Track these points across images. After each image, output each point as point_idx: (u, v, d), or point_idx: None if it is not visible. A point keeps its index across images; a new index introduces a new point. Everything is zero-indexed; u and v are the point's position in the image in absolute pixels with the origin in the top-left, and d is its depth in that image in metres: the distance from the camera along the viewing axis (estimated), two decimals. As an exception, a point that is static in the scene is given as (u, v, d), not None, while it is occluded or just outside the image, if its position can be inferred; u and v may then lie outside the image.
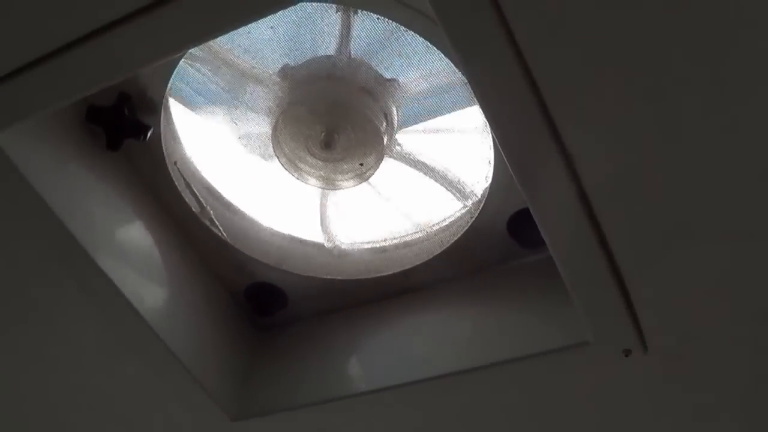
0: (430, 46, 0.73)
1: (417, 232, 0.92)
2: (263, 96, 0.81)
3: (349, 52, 0.77)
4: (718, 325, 0.73)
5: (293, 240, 0.95)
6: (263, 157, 0.86)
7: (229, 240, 0.91)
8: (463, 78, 0.75)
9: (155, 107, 0.80)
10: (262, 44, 0.78)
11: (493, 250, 0.87)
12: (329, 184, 0.87)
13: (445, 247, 0.88)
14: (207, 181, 0.91)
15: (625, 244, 0.67)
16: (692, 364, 0.77)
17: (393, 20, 0.72)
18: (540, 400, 0.84)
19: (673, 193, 0.64)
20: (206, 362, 0.88)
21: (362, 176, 0.85)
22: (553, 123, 0.59)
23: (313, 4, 0.73)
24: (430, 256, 0.89)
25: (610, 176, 0.63)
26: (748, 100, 0.57)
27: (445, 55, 0.74)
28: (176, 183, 0.86)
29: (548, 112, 0.58)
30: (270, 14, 0.60)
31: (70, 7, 0.58)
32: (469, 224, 0.86)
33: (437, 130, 0.84)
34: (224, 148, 0.88)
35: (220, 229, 0.90)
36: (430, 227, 0.91)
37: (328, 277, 0.93)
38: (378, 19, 0.72)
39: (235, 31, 0.73)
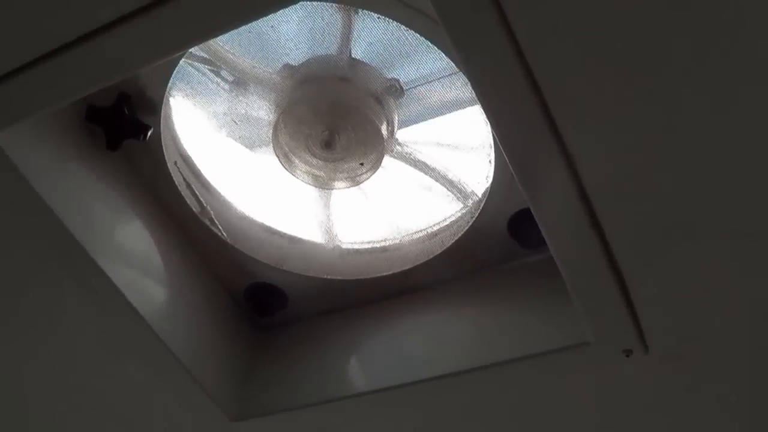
0: (431, 45, 0.73)
1: (417, 232, 0.92)
2: (264, 96, 0.81)
3: (350, 52, 0.77)
4: (718, 324, 0.73)
5: (293, 240, 0.95)
6: (263, 156, 0.86)
7: (229, 240, 0.90)
8: (464, 77, 0.75)
9: (155, 107, 0.80)
10: (262, 44, 0.77)
11: (493, 250, 0.87)
12: (329, 183, 0.87)
13: (445, 247, 0.88)
14: (207, 180, 0.91)
15: (626, 244, 0.67)
16: (693, 364, 0.77)
17: (394, 20, 0.72)
18: (540, 400, 0.84)
19: (674, 193, 0.63)
20: (206, 362, 0.88)
21: (363, 176, 0.85)
22: (554, 122, 0.59)
23: (314, 3, 0.72)
24: (431, 256, 0.89)
25: (611, 176, 0.63)
26: (748, 100, 0.57)
27: (445, 55, 0.74)
28: (176, 183, 0.86)
29: (549, 111, 0.58)
30: (270, 13, 0.59)
31: (70, 6, 0.58)
32: (470, 224, 0.86)
33: (438, 130, 0.84)
34: (224, 148, 0.87)
35: (220, 228, 0.90)
36: (431, 227, 0.91)
37: (328, 277, 0.93)
38: (379, 18, 0.72)
39: (236, 31, 0.73)
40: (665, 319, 0.73)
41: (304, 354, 0.93)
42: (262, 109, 0.82)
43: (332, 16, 0.74)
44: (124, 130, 0.79)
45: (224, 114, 0.84)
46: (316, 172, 0.85)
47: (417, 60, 0.76)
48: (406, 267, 0.90)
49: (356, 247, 0.93)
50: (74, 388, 0.94)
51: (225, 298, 0.95)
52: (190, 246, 0.91)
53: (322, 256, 0.94)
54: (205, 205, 0.89)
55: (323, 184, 0.87)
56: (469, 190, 0.86)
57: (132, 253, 0.82)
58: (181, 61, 0.77)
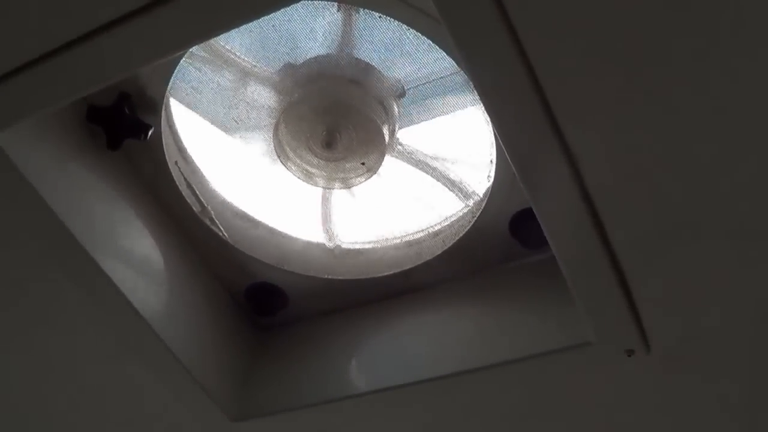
0: (433, 44, 0.73)
1: (418, 232, 0.91)
2: (264, 95, 0.81)
3: (351, 51, 0.77)
4: (720, 325, 0.73)
5: (294, 240, 0.95)
6: (264, 156, 0.86)
7: (229, 240, 0.90)
8: (466, 77, 0.75)
9: (156, 106, 0.80)
10: (263, 43, 0.77)
11: (494, 250, 0.87)
12: (330, 183, 0.87)
13: (446, 247, 0.88)
14: (207, 180, 0.91)
15: (628, 244, 0.67)
16: (695, 365, 0.77)
17: (395, 19, 0.72)
18: (542, 400, 0.84)
19: (676, 193, 0.63)
20: (206, 362, 0.88)
21: (364, 175, 0.85)
22: (556, 122, 0.59)
23: (315, 2, 0.72)
24: (432, 256, 0.89)
25: (613, 175, 0.63)
26: (750, 99, 0.57)
27: (447, 54, 0.73)
28: (177, 182, 0.85)
29: (551, 110, 0.58)
30: (271, 12, 0.59)
31: (70, 6, 0.58)
32: (471, 224, 0.85)
33: (439, 129, 0.84)
34: (225, 148, 0.87)
35: (221, 228, 0.90)
36: (432, 227, 0.90)
37: (329, 277, 0.93)
38: (380, 17, 0.72)
39: (237, 30, 0.73)
40: (667, 319, 0.73)
41: (305, 354, 0.93)
42: (262, 109, 0.82)
43: (333, 15, 0.74)
44: (125, 129, 0.79)
45: (225, 113, 0.84)
46: (317, 172, 0.85)
47: (419, 59, 0.76)
48: (407, 267, 0.90)
49: (357, 246, 0.93)
50: (74, 388, 0.94)
51: (225, 297, 0.95)
52: (190, 246, 0.90)
53: (323, 256, 0.94)
54: (205, 204, 0.89)
55: (324, 184, 0.87)
56: (470, 189, 0.86)
57: (132, 253, 0.82)
58: (181, 61, 0.77)
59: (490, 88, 0.58)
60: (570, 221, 0.65)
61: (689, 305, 0.72)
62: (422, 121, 0.83)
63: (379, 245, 0.93)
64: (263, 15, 0.59)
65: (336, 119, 0.80)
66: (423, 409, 0.87)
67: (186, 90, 0.82)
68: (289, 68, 0.79)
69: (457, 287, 0.89)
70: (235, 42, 0.78)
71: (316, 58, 0.78)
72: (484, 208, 0.84)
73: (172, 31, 0.59)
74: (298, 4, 0.72)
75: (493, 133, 0.77)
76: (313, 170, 0.85)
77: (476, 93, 0.65)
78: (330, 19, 0.74)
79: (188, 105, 0.84)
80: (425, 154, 0.86)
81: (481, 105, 0.75)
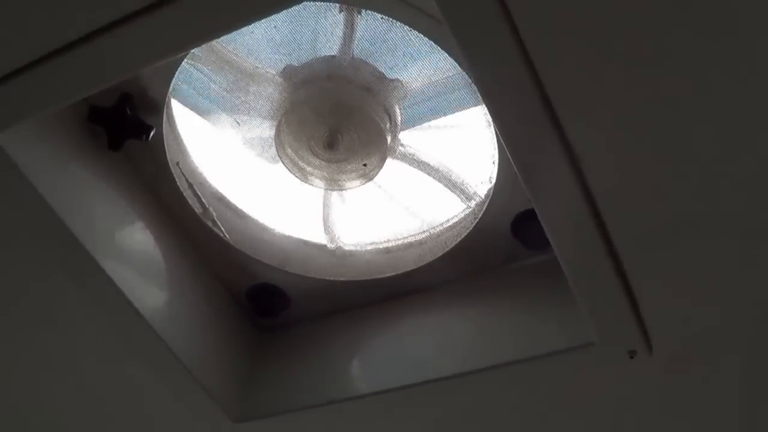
0: (434, 45, 0.73)
1: (420, 233, 0.91)
2: (266, 96, 0.81)
3: (353, 52, 0.77)
4: (722, 325, 0.73)
5: (296, 241, 0.95)
6: (266, 157, 0.86)
7: (231, 241, 0.90)
8: (467, 77, 0.75)
9: (157, 107, 0.80)
10: (264, 44, 0.77)
11: (496, 251, 0.87)
12: (332, 184, 0.87)
13: (448, 248, 0.88)
14: (209, 181, 0.91)
15: (630, 244, 0.67)
16: (697, 365, 0.77)
17: (397, 20, 0.72)
18: (544, 401, 0.84)
19: (678, 193, 0.63)
20: (208, 363, 0.88)
21: (365, 177, 0.85)
22: (559, 122, 0.59)
23: (317, 3, 0.72)
24: (434, 257, 0.89)
25: (615, 176, 0.63)
26: (753, 99, 0.57)
27: (449, 55, 0.73)
28: (178, 183, 0.85)
29: (553, 111, 0.58)
30: (273, 14, 0.59)
31: (72, 6, 0.58)
32: (473, 225, 0.85)
33: (441, 130, 0.84)
34: (226, 149, 0.87)
35: (222, 229, 0.90)
36: (434, 228, 0.90)
37: (331, 278, 0.93)
38: (381, 18, 0.72)
39: (238, 31, 0.73)
40: (669, 320, 0.73)
41: (306, 355, 0.93)
42: (264, 110, 0.82)
43: (335, 16, 0.74)
44: (126, 130, 0.79)
45: (226, 115, 0.84)
46: (319, 173, 0.85)
47: (420, 60, 0.76)
48: (409, 268, 0.90)
49: (359, 248, 0.93)
50: (75, 389, 0.94)
51: (227, 298, 0.95)
52: (191, 247, 0.90)
53: (325, 257, 0.94)
54: (207, 206, 0.88)
55: (326, 185, 0.87)
56: (472, 191, 0.86)
57: (133, 254, 0.82)
58: (183, 62, 0.77)
59: (492, 88, 0.58)
60: (572, 222, 0.65)
61: (691, 306, 0.72)
62: (424, 122, 0.83)
63: (380, 246, 0.93)
64: (265, 16, 0.59)
65: (337, 120, 0.80)
66: (425, 410, 0.87)
67: (187, 91, 0.82)
68: (291, 69, 0.79)
69: (459, 288, 0.89)
70: (237, 43, 0.78)
71: (317, 60, 0.78)
72: (486, 209, 0.84)
73: (173, 32, 0.59)
74: (300, 6, 0.72)
75: (495, 134, 0.77)
76: (315, 171, 0.85)
77: (478, 94, 0.66)
78: (332, 20, 0.74)
79: (190, 106, 0.84)
80: (427, 156, 0.86)
81: (483, 106, 0.75)
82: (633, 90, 0.57)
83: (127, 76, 0.66)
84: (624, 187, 0.63)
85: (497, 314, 0.84)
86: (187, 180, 0.86)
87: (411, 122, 0.83)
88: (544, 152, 0.61)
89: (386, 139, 0.80)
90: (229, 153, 0.88)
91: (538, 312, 0.81)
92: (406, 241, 0.92)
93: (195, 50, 0.77)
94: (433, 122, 0.83)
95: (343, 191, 0.89)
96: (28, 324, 0.85)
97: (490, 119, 0.70)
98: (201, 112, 0.85)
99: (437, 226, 0.90)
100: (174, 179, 0.85)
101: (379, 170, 0.84)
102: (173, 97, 0.81)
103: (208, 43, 0.77)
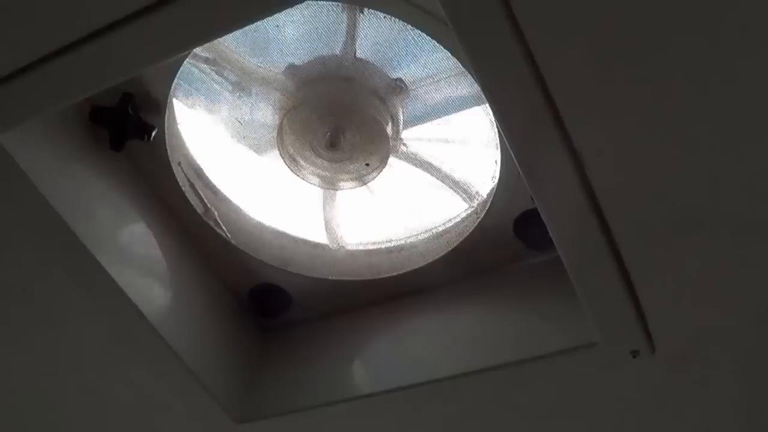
0: (437, 45, 0.73)
1: (422, 233, 0.91)
2: (268, 96, 0.81)
3: (355, 52, 0.77)
4: (726, 325, 0.73)
5: (298, 241, 0.94)
6: (268, 157, 0.85)
7: (233, 241, 0.90)
8: (470, 77, 0.75)
9: (159, 107, 0.80)
10: (267, 43, 0.77)
11: (499, 251, 0.87)
12: (334, 184, 0.86)
13: (450, 248, 0.88)
14: (211, 181, 0.91)
15: (634, 244, 0.67)
16: (700, 365, 0.77)
17: (400, 19, 0.72)
18: (547, 401, 0.84)
19: (682, 194, 0.63)
20: (210, 364, 0.88)
21: (368, 176, 0.85)
22: (562, 122, 0.59)
23: (319, 2, 0.72)
24: (436, 257, 0.89)
25: (619, 175, 0.63)
26: (756, 98, 0.57)
27: (452, 54, 0.73)
28: (180, 184, 0.85)
29: (557, 110, 0.58)
30: (276, 13, 0.59)
31: (74, 6, 0.58)
32: (475, 225, 0.85)
33: (443, 130, 0.84)
34: (228, 149, 0.87)
35: (224, 230, 0.89)
36: (436, 228, 0.90)
37: (333, 278, 0.93)
38: (384, 17, 0.72)
39: (240, 30, 0.73)
40: (672, 320, 0.73)
41: (309, 355, 0.93)
42: (266, 110, 0.82)
43: (337, 15, 0.73)
44: (128, 130, 0.79)
45: (228, 114, 0.84)
46: (321, 173, 0.85)
47: (422, 59, 0.76)
48: (411, 268, 0.90)
49: (361, 248, 0.93)
50: (77, 390, 0.94)
51: (229, 299, 0.95)
52: (193, 247, 0.90)
53: (327, 257, 0.94)
54: (209, 206, 0.88)
55: (328, 185, 0.87)
56: (474, 190, 0.86)
57: (135, 254, 0.82)
58: (185, 62, 0.76)
59: (495, 87, 0.58)
60: (575, 221, 0.65)
61: (694, 306, 0.72)
62: (426, 121, 0.83)
63: (382, 246, 0.93)
64: (267, 16, 0.59)
65: (340, 120, 0.80)
66: (427, 410, 0.87)
67: (189, 91, 0.82)
68: (293, 69, 0.79)
69: (461, 288, 0.89)
70: (239, 42, 0.78)
71: (319, 59, 0.78)
72: (489, 209, 0.84)
73: (175, 31, 0.59)
74: (302, 5, 0.71)
75: (497, 133, 0.77)
76: (317, 171, 0.85)
77: (481, 93, 0.65)
78: (334, 19, 0.74)
79: (191, 106, 0.84)
80: (429, 155, 0.86)
81: (486, 105, 0.75)
82: (636, 89, 0.57)
83: (129, 76, 0.66)
84: (627, 186, 0.63)
85: (500, 314, 0.84)
86: (188, 180, 0.86)
87: (413, 121, 0.83)
88: (547, 151, 0.61)
89: (388, 139, 0.80)
90: (231, 153, 0.88)
91: (540, 312, 0.81)
92: (408, 240, 0.92)
93: (197, 50, 0.76)
94: (436, 121, 0.83)
95: (346, 191, 0.88)
96: (30, 324, 0.85)
97: (493, 118, 0.70)
98: (202, 111, 0.84)
99: (439, 226, 0.90)
100: (176, 179, 0.85)
101: (381, 170, 0.84)
102: (175, 97, 0.81)
103: (210, 43, 0.76)
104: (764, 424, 0.83)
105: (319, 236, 0.94)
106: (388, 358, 0.87)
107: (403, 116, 0.81)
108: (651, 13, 0.53)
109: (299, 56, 0.78)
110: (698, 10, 0.52)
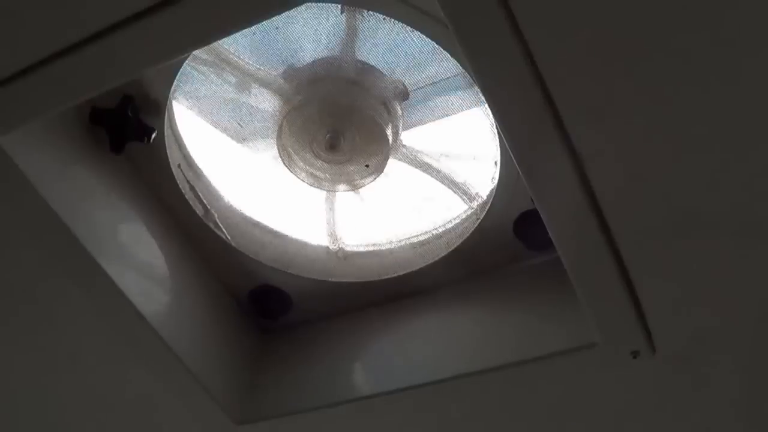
0: (436, 46, 0.73)
1: (422, 234, 0.91)
2: (268, 98, 0.81)
3: (355, 54, 0.77)
4: (726, 326, 0.73)
5: (297, 243, 0.94)
6: (268, 159, 0.85)
7: (233, 243, 0.90)
8: (470, 78, 0.75)
9: (159, 109, 0.80)
10: (266, 45, 0.77)
11: (499, 252, 0.87)
12: (334, 186, 0.86)
13: (450, 249, 0.88)
14: (211, 183, 0.91)
15: (634, 245, 0.67)
16: (700, 366, 0.77)
17: (398, 20, 0.72)
18: (547, 402, 0.84)
19: (682, 193, 0.63)
20: (210, 366, 0.88)
21: (368, 178, 0.85)
22: (562, 122, 0.59)
23: (319, 4, 0.72)
24: (436, 258, 0.89)
25: (619, 176, 0.63)
26: (758, 99, 0.57)
27: (451, 56, 0.73)
28: (180, 186, 0.85)
29: (557, 111, 0.58)
30: (275, 15, 0.59)
31: (73, 9, 0.58)
32: (475, 226, 0.85)
33: (443, 132, 0.84)
34: (228, 151, 0.87)
35: (224, 231, 0.89)
36: (436, 229, 0.90)
37: (333, 279, 0.93)
38: (384, 19, 0.72)
39: (240, 32, 0.73)
40: (673, 320, 0.73)
41: (309, 357, 0.93)
42: (266, 112, 0.82)
43: (338, 17, 0.73)
44: (128, 132, 0.79)
45: (228, 116, 0.84)
46: (321, 175, 0.85)
47: (422, 62, 0.76)
48: (411, 269, 0.90)
49: (361, 249, 0.93)
50: (77, 391, 0.93)
51: (229, 301, 0.95)
52: (193, 249, 0.90)
53: (327, 259, 0.94)
54: (209, 208, 0.88)
55: (328, 187, 0.87)
56: (474, 191, 0.86)
57: (136, 256, 0.82)
58: (184, 64, 0.77)
59: (494, 88, 0.58)
60: (574, 222, 0.65)
61: (694, 306, 0.72)
62: (426, 122, 0.83)
63: (382, 248, 0.93)
64: (267, 18, 0.59)
65: (340, 121, 0.80)
66: (428, 411, 0.87)
67: (189, 93, 0.82)
68: (293, 71, 0.79)
69: (461, 289, 0.89)
70: (238, 44, 0.78)
71: (319, 61, 0.78)
72: (488, 209, 0.84)
73: (175, 34, 0.59)
74: (302, 7, 0.72)
75: (497, 134, 0.77)
76: (317, 173, 0.85)
77: (480, 94, 0.65)
78: (333, 21, 0.74)
79: (191, 108, 0.84)
80: (429, 156, 0.86)
81: (485, 106, 0.75)
82: (636, 89, 0.57)
83: (129, 78, 0.66)
84: (627, 187, 0.63)
85: (500, 315, 0.84)
86: (188, 182, 0.86)
87: (413, 123, 0.83)
88: (546, 152, 0.61)
89: (388, 140, 0.80)
90: (231, 155, 0.88)
91: (540, 313, 0.81)
92: (408, 242, 0.92)
93: (197, 52, 0.77)
94: (435, 122, 0.83)
95: (345, 192, 0.88)
96: (31, 326, 0.85)
97: (493, 119, 0.70)
98: (202, 113, 0.84)
99: (439, 227, 0.90)
100: (175, 181, 0.85)
101: (381, 171, 0.84)
102: (175, 99, 0.81)
103: (210, 45, 0.77)
104: (764, 424, 0.83)
105: (319, 238, 0.94)
106: (388, 360, 0.87)
107: (403, 118, 0.82)
108: (651, 13, 0.53)
109: (299, 58, 0.78)
110: (698, 10, 0.52)
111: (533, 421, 0.87)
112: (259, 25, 0.72)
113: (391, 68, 0.78)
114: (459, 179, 0.86)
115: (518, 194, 0.81)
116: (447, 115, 0.82)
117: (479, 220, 0.85)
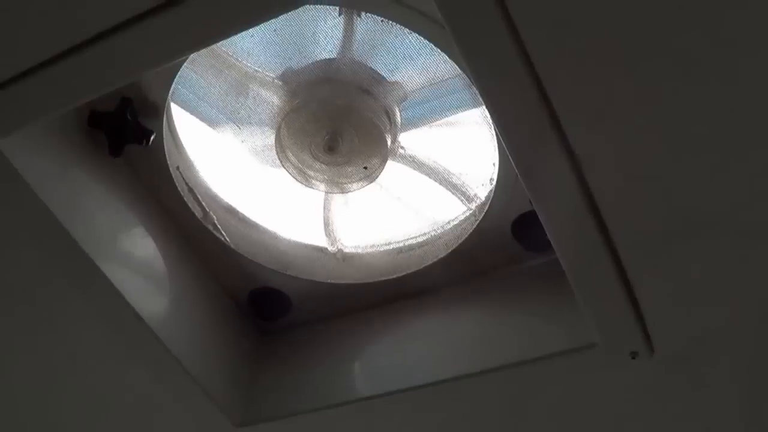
0: (434, 47, 0.73)
1: (421, 235, 0.91)
2: (266, 100, 0.81)
3: (352, 55, 0.77)
4: (725, 326, 0.73)
5: (296, 244, 0.94)
6: (266, 161, 0.86)
7: (232, 245, 0.90)
8: (468, 80, 0.75)
9: (157, 112, 0.80)
10: (264, 48, 0.77)
11: (497, 253, 0.87)
12: (333, 187, 0.86)
13: (449, 251, 0.88)
14: (209, 185, 0.91)
15: (632, 246, 0.67)
16: (699, 366, 0.77)
17: (396, 22, 0.72)
18: (547, 402, 0.84)
19: (681, 194, 0.63)
20: (209, 367, 0.88)
21: (366, 179, 0.85)
22: (560, 124, 0.59)
23: (316, 6, 0.72)
24: (435, 259, 0.89)
25: (617, 177, 0.63)
26: (756, 99, 0.57)
27: (449, 57, 0.73)
28: (179, 188, 0.85)
29: (555, 113, 0.58)
30: (273, 17, 0.59)
31: (72, 11, 0.58)
32: (474, 227, 0.85)
33: (441, 132, 0.84)
34: (227, 153, 0.87)
35: (223, 234, 0.90)
36: (434, 230, 0.90)
37: (332, 281, 0.93)
38: (382, 21, 0.72)
39: (238, 35, 0.73)
40: (671, 321, 0.73)
41: (308, 358, 0.93)
42: (264, 114, 0.82)
43: (335, 19, 0.74)
44: (127, 135, 0.79)
45: (226, 118, 0.84)
46: (320, 176, 0.85)
47: (420, 62, 0.76)
48: (410, 270, 0.90)
49: (359, 250, 0.93)
50: (76, 393, 0.93)
51: (228, 302, 0.95)
52: (193, 251, 0.90)
53: (326, 260, 0.94)
54: (207, 210, 0.88)
55: (326, 188, 0.87)
56: (472, 193, 0.86)
57: (135, 259, 0.82)
58: (183, 66, 0.77)
59: (492, 89, 0.58)
60: (573, 223, 0.65)
61: (693, 306, 0.72)
62: (424, 124, 0.83)
63: (381, 249, 0.93)
64: (265, 20, 0.59)
65: (338, 123, 0.80)
66: (427, 413, 0.87)
67: (187, 95, 0.82)
68: (291, 73, 0.79)
69: (460, 290, 0.89)
70: (237, 47, 0.78)
71: (317, 63, 0.78)
72: (487, 211, 0.84)
73: (174, 36, 0.59)
74: (300, 9, 0.72)
75: (495, 136, 0.77)
76: (316, 175, 0.85)
77: (478, 96, 0.65)
78: (332, 23, 0.74)
79: (190, 110, 0.84)
80: (427, 157, 0.86)
81: (484, 108, 0.75)
82: (634, 89, 0.57)
83: (129, 80, 0.66)
84: (625, 187, 0.63)
85: (499, 316, 0.84)
86: (187, 184, 0.86)
87: (411, 124, 0.83)
88: (544, 153, 0.61)
89: (386, 142, 0.80)
90: (230, 157, 0.88)
91: (539, 313, 0.81)
92: (406, 243, 0.92)
93: (194, 54, 0.77)
94: (434, 124, 0.83)
95: (344, 194, 0.88)
96: (30, 328, 0.85)
97: (491, 121, 0.70)
98: (201, 116, 0.84)
99: (438, 228, 0.90)
100: (174, 183, 0.85)
101: (379, 173, 0.84)
102: (173, 102, 0.81)
103: (208, 47, 0.77)
104: (764, 424, 0.83)
105: (318, 239, 0.94)
106: (387, 361, 0.87)
107: (401, 119, 0.82)
108: (650, 13, 0.53)
109: (296, 60, 0.78)
110: (698, 10, 0.52)
111: (533, 421, 0.87)
112: (257, 27, 0.73)
113: (388, 69, 0.78)
114: (457, 181, 0.86)
115: (516, 195, 0.81)
116: (445, 116, 0.82)
117: (477, 222, 0.85)
